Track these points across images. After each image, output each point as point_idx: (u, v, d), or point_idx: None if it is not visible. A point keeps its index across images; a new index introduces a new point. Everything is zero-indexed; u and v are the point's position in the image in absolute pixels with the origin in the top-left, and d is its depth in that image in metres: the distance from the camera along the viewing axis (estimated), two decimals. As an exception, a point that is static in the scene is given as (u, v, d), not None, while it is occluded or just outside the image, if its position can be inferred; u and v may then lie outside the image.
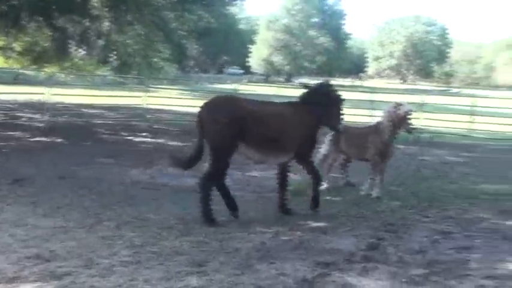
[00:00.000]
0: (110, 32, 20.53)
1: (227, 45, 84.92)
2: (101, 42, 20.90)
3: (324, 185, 9.42)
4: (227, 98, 7.96)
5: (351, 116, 18.58)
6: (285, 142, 7.52)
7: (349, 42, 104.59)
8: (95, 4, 19.47)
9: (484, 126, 19.59)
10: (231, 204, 7.46)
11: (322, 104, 7.94)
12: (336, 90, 8.43)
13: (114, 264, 5.40)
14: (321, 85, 8.43)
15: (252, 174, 10.86)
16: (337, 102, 8.34)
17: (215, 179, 7.25)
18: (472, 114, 20.06)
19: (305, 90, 8.20)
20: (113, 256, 5.63)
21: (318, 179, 8.14)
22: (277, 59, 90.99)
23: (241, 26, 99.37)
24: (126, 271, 5.22)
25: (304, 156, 7.83)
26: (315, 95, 8.08)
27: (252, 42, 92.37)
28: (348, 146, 9.74)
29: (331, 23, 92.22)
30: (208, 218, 7.06)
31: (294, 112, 7.74)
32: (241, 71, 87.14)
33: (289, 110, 7.78)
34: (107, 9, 19.54)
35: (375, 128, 9.60)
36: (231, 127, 7.03)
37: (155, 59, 26.25)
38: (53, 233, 6.33)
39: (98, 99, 23.65)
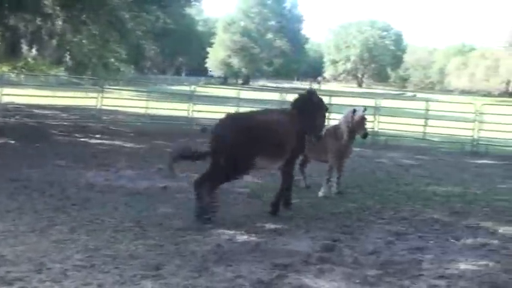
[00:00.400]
0: (63, 31, 20.06)
1: (185, 46, 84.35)
2: (54, 41, 20.40)
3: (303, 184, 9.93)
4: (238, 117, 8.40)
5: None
6: (286, 148, 7.87)
7: (306, 46, 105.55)
8: (47, 3, 18.99)
9: (437, 129, 20.07)
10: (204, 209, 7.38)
11: (310, 112, 8.30)
12: (322, 99, 8.76)
13: (67, 268, 5.28)
14: (309, 93, 8.72)
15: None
16: (323, 110, 8.70)
17: (216, 185, 7.50)
18: (425, 118, 20.53)
19: (296, 98, 8.54)
20: (66, 260, 5.50)
21: (290, 185, 8.28)
22: (235, 61, 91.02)
23: (199, 28, 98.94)
24: (80, 275, 5.11)
25: (292, 161, 8.22)
26: (304, 102, 8.41)
27: (210, 44, 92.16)
28: (307, 148, 9.83)
29: (289, 27, 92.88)
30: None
31: (290, 119, 8.07)
32: None
33: (286, 118, 8.10)
34: (59, 8, 19.07)
35: (333, 131, 9.76)
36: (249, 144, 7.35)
37: (111, 60, 25.80)
38: (2, 237, 6.14)
39: (52, 99, 23.11)
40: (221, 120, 7.74)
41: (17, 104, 22.51)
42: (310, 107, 8.38)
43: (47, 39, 20.20)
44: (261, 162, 7.68)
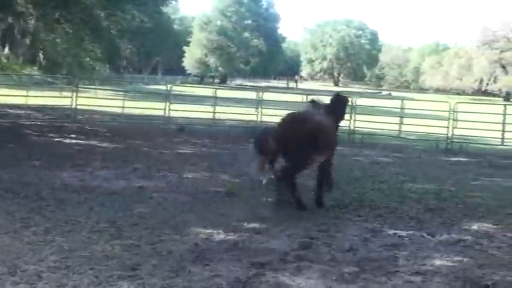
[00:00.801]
0: (36, 30, 19.77)
1: (161, 45, 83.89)
2: (27, 40, 20.09)
3: (264, 181, 10.10)
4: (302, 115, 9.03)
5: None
6: (333, 145, 8.97)
7: (283, 45, 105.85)
8: (19, 1, 18.67)
9: (412, 127, 20.30)
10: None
11: (340, 113, 9.58)
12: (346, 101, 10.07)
13: (41, 270, 5.20)
14: (341, 96, 9.86)
15: (186, 176, 10.77)
16: (345, 111, 10.09)
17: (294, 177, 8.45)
18: (401, 116, 20.74)
19: (332, 100, 9.52)
20: (40, 262, 5.42)
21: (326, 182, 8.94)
22: (212, 60, 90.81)
23: (176, 27, 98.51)
24: (54, 277, 5.04)
25: (332, 157, 9.05)
26: (337, 104, 9.55)
27: (187, 43, 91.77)
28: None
29: (266, 26, 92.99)
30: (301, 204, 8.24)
31: (332, 120, 9.03)
32: None
33: (330, 119, 9.01)
34: (31, 6, 18.77)
35: None
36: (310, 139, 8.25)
37: (86, 59, 25.53)
38: (-25, 240, 6.03)
39: (25, 99, 22.78)
40: (291, 120, 8.60)
41: (-10, 104, 22.15)
42: (341, 108, 9.65)
43: (19, 38, 19.88)
44: (318, 158, 8.51)
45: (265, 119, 19.44)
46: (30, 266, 5.28)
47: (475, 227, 7.72)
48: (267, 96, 22.29)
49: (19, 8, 18.84)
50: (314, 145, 8.21)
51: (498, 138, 19.06)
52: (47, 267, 5.28)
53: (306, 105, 10.31)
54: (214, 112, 21.04)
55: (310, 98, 12.17)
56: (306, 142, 8.13)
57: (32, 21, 19.55)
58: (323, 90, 62.66)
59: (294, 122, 8.53)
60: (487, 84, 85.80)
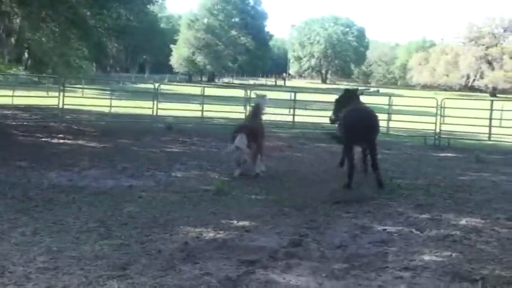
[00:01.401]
0: (22, 29, 19.59)
1: (148, 44, 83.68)
2: (12, 40, 19.90)
3: (237, 172, 10.80)
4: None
5: (273, 115, 18.90)
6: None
7: (271, 43, 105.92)
8: (3, 0, 18.48)
9: (400, 124, 20.40)
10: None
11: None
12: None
13: (30, 271, 5.16)
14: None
15: (175, 174, 10.74)
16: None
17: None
18: (389, 113, 20.84)
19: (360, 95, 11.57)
20: (29, 263, 5.38)
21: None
22: (199, 58, 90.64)
23: (163, 25, 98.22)
24: (43, 278, 5.01)
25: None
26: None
27: (174, 41, 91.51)
28: None
29: (253, 24, 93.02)
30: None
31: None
32: None
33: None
34: (16, 5, 18.59)
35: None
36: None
37: (73, 58, 25.35)
38: (-38, 241, 5.96)
39: (11, 99, 22.59)
40: (363, 111, 10.83)
41: (-25, 104, 21.96)
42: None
43: (4, 37, 19.69)
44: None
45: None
46: (19, 267, 5.24)
47: (463, 222, 7.76)
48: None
49: (4, 7, 18.66)
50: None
51: (485, 133, 19.22)
52: (35, 268, 5.24)
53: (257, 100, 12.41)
54: (202, 110, 21.01)
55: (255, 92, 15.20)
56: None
57: (18, 21, 19.37)
58: (311, 88, 62.82)
59: (371, 112, 10.85)
60: (474, 80, 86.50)
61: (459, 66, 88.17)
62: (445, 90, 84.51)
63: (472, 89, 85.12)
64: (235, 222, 7.34)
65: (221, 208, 8.07)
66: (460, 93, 77.16)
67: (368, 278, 5.35)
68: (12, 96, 22.99)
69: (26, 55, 21.91)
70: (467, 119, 19.07)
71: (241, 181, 10.32)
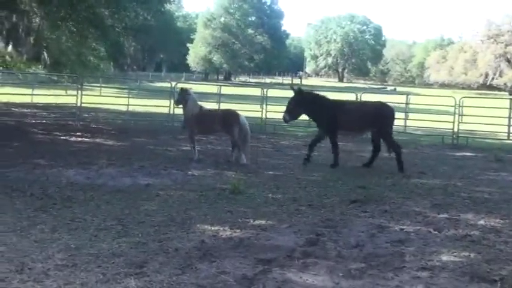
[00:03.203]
0: (40, 28, 19.78)
1: (165, 43, 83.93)
2: (31, 39, 20.09)
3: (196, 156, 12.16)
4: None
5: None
6: None
7: (287, 41, 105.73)
8: (23, -1, 18.69)
9: (417, 123, 20.24)
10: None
11: None
12: None
13: (48, 268, 5.22)
14: None
15: (192, 173, 10.78)
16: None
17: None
18: (406, 112, 20.68)
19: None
20: (47, 260, 5.44)
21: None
22: (216, 57, 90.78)
23: (179, 24, 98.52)
24: (62, 275, 5.05)
25: None
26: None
27: (190, 40, 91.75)
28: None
29: (270, 22, 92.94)
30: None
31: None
32: None
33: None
34: (36, 4, 18.78)
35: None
36: None
37: (90, 57, 25.54)
38: (-18, 238, 6.04)
39: (30, 98, 22.84)
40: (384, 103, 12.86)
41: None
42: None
43: (23, 36, 19.89)
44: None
45: (269, 115, 19.46)
46: (38, 264, 5.30)
47: (482, 222, 7.69)
48: (272, 93, 22.26)
49: (23, 7, 18.86)
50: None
51: (504, 132, 18.99)
52: (54, 265, 5.29)
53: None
54: (218, 109, 21.02)
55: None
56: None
57: (37, 20, 19.54)
58: (327, 86, 62.60)
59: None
60: (493, 79, 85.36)
61: (477, 65, 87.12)
62: (463, 88, 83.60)
63: (491, 87, 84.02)
64: (251, 221, 7.34)
65: (238, 207, 8.08)
66: (478, 91, 76.22)
67: (385, 278, 5.32)
68: (31, 94, 23.25)
69: (45, 54, 22.11)
70: (486, 117, 18.86)
71: (258, 180, 10.33)
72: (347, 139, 15.54)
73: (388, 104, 13.16)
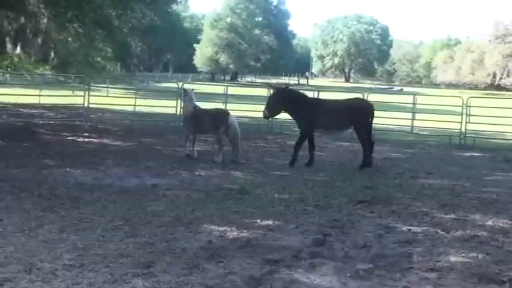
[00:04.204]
0: (48, 29, 19.88)
1: (171, 43, 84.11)
2: (39, 40, 20.20)
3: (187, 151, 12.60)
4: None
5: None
6: None
7: (294, 42, 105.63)
8: (31, 1, 18.78)
9: (424, 123, 20.17)
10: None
11: None
12: None
13: (56, 268, 5.23)
14: None
15: (199, 173, 10.79)
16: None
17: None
18: (413, 112, 20.62)
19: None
20: (55, 260, 5.46)
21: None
22: (223, 57, 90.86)
23: (186, 25, 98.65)
24: (70, 275, 5.07)
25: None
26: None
27: (197, 40, 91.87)
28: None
29: (276, 23, 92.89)
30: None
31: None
32: None
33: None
34: (43, 6, 18.88)
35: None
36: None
37: (97, 58, 25.65)
38: (-10, 238, 6.07)
39: (38, 98, 22.93)
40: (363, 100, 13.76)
41: (3, 103, 22.33)
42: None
43: (31, 37, 20.00)
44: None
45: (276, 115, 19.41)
46: (46, 264, 5.31)
47: (490, 222, 7.65)
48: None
49: (31, 8, 18.97)
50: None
51: (512, 133, 18.89)
52: (62, 265, 5.31)
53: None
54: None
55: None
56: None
57: (44, 21, 19.64)
58: (334, 87, 62.51)
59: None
60: (500, 79, 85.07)
61: (485, 65, 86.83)
62: (470, 88, 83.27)
63: (499, 87, 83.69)
64: (258, 221, 7.34)
65: (245, 207, 8.08)
66: (486, 91, 75.86)
67: (393, 279, 5.31)
68: (39, 95, 23.33)
69: (52, 55, 22.21)
70: (494, 118, 18.77)
71: (265, 180, 10.32)
72: (328, 136, 15.68)
73: (367, 100, 13.23)
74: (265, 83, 13.61)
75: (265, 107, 12.58)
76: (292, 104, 12.30)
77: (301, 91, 13.78)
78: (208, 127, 12.51)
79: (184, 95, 13.54)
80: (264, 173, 11.08)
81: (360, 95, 20.25)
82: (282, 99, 12.38)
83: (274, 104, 12.43)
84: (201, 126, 12.62)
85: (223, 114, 12.51)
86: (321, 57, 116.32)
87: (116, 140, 15.56)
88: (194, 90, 14.06)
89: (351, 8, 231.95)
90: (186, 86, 15.25)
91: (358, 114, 12.21)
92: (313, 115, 12.12)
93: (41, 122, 18.76)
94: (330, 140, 16.96)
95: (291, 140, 17.46)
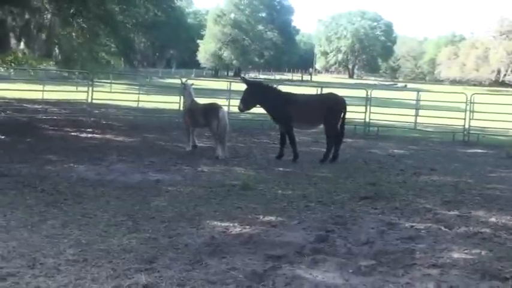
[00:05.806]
0: (52, 25, 19.89)
1: (175, 39, 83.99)
2: (43, 35, 20.20)
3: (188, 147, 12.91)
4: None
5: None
6: None
7: (297, 38, 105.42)
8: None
9: (428, 119, 20.14)
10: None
11: None
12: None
13: (60, 263, 5.25)
14: None
15: (202, 169, 10.80)
16: None
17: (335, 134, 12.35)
18: (417, 108, 20.59)
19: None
20: (59, 255, 5.47)
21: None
22: (226, 53, 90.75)
23: (190, 20, 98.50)
24: (73, 270, 5.08)
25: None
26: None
27: (200, 36, 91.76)
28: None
29: (280, 18, 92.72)
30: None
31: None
32: None
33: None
34: (47, 1, 18.89)
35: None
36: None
37: (101, 53, 25.64)
38: (-6, 233, 6.09)
39: (41, 94, 22.95)
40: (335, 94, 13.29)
41: (7, 99, 22.37)
42: None
43: (35, 33, 20.00)
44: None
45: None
46: (49, 259, 5.33)
47: (493, 219, 7.64)
48: (281, 89, 22.18)
49: (35, 4, 18.97)
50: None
51: (516, 129, 18.84)
52: (65, 260, 5.32)
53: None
54: (229, 105, 21.03)
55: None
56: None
57: (48, 17, 19.64)
58: (337, 83, 62.39)
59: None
60: (505, 75, 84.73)
61: (489, 61, 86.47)
62: (474, 85, 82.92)
63: (503, 84, 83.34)
64: (261, 217, 7.34)
65: (247, 203, 8.09)
66: (490, 88, 75.65)
67: (395, 275, 5.30)
68: (42, 90, 23.33)
69: (56, 51, 22.20)
70: (498, 114, 18.73)
71: (267, 176, 10.33)
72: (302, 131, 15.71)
73: (339, 95, 13.35)
74: (241, 77, 14.00)
75: (240, 101, 12.84)
76: (264, 98, 12.56)
77: (275, 86, 14.40)
78: (202, 121, 12.68)
79: (183, 89, 14.11)
80: (267, 169, 11.08)
81: (361, 91, 20.23)
82: (255, 93, 12.63)
83: (248, 98, 12.67)
84: (195, 120, 12.82)
85: (214, 108, 12.61)
86: (325, 54, 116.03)
87: (119, 135, 15.57)
88: (193, 86, 14.24)
89: (355, 4, 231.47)
90: (184, 80, 15.49)
91: (330, 109, 12.35)
92: (287, 110, 12.33)
93: (44, 117, 18.78)
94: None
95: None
